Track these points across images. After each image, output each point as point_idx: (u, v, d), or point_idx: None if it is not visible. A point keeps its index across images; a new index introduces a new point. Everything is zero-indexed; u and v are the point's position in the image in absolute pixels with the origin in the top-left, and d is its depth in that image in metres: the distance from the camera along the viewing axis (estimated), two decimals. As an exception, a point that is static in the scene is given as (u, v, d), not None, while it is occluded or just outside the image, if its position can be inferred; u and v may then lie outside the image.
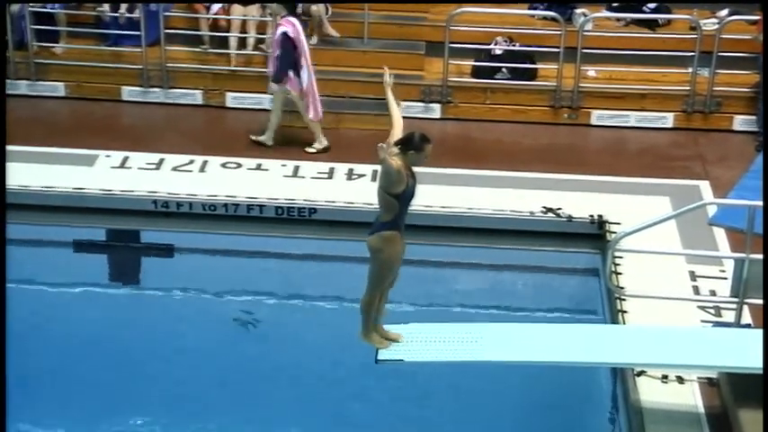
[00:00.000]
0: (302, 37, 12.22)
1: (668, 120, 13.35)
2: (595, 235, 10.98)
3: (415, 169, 7.73)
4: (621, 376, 8.90)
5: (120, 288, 11.12)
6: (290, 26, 12.11)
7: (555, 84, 13.36)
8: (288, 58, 12.13)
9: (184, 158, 12.16)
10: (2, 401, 6.75)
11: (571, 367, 8.45)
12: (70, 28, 14.16)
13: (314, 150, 12.42)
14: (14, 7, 13.79)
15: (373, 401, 9.07)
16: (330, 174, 11.92)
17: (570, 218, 11.09)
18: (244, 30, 13.84)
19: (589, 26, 13.48)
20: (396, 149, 7.60)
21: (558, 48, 13.20)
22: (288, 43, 12.08)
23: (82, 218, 11.38)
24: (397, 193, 7.52)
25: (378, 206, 7.67)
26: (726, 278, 9.41)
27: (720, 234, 10.27)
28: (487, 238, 11.11)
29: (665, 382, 8.50)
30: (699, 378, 8.54)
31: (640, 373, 8.53)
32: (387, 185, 7.53)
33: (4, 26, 12.43)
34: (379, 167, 7.58)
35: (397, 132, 7.75)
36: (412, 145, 7.58)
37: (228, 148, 12.49)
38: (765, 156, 9.05)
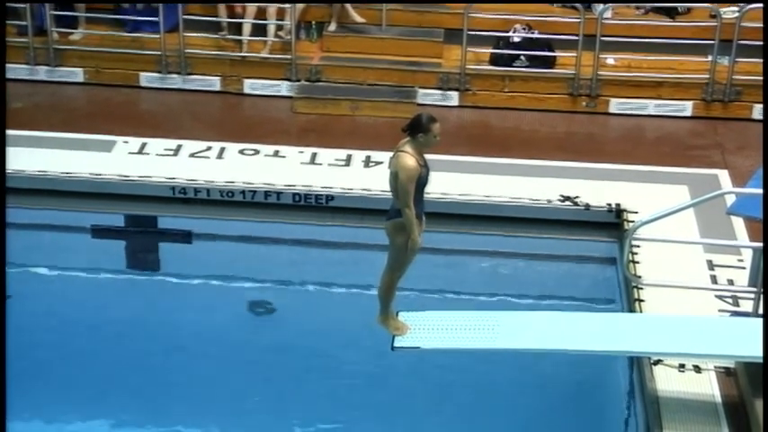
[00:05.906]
0: None
1: (687, 108, 13.29)
2: (613, 223, 10.95)
3: (432, 157, 7.71)
4: (638, 365, 8.87)
5: (137, 274, 11.15)
6: None
7: (573, 72, 13.31)
8: None
9: (202, 145, 12.17)
10: (2, 401, 6.72)
11: (587, 356, 8.45)
12: (89, 14, 14.18)
13: None
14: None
15: (390, 387, 9.09)
16: (347, 161, 11.91)
17: (588, 206, 11.07)
18: (263, 17, 13.83)
19: (608, 14, 13.41)
20: (405, 138, 7.59)
21: (576, 35, 13.15)
22: None
23: (100, 203, 11.40)
24: None
25: (391, 192, 7.67)
26: (744, 268, 9.38)
27: (739, 223, 10.24)
28: (505, 226, 11.09)
29: (682, 372, 8.48)
30: (716, 367, 8.51)
31: (657, 362, 8.52)
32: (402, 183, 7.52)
33: (3, 24, 12.45)
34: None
35: None
36: (420, 128, 7.56)
37: (246, 135, 12.50)
38: (765, 153, 8.99)
